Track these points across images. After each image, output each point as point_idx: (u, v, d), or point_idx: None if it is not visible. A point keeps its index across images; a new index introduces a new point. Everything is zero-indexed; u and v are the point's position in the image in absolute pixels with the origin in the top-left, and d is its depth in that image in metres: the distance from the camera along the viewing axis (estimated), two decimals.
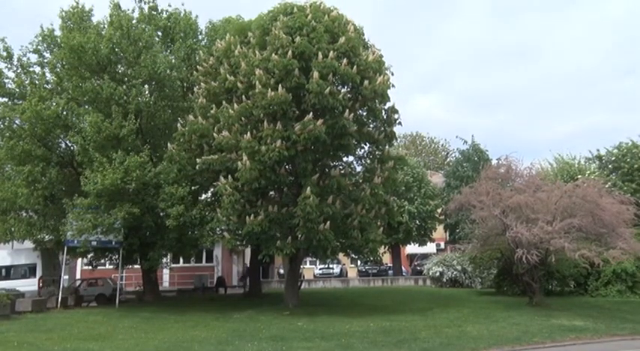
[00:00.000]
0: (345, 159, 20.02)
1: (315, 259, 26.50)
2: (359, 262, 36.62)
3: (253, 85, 16.92)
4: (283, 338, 12.37)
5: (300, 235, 16.49)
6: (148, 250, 19.93)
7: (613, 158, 28.18)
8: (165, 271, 30.17)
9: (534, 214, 17.31)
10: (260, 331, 13.62)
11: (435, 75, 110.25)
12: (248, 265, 32.69)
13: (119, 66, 21.11)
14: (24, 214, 21.90)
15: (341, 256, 22.35)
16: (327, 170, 17.92)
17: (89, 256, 22.90)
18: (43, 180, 20.08)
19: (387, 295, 23.91)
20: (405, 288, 28.92)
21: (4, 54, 21.49)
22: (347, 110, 16.95)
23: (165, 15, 22.99)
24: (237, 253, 33.72)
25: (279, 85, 16.39)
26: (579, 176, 24.70)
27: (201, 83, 19.36)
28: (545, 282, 20.95)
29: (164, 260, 24.08)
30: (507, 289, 22.68)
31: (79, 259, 27.90)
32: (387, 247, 29.63)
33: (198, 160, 18.15)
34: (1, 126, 20.84)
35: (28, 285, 21.63)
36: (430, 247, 36.31)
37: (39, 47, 21.88)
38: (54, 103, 20.02)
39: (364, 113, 19.05)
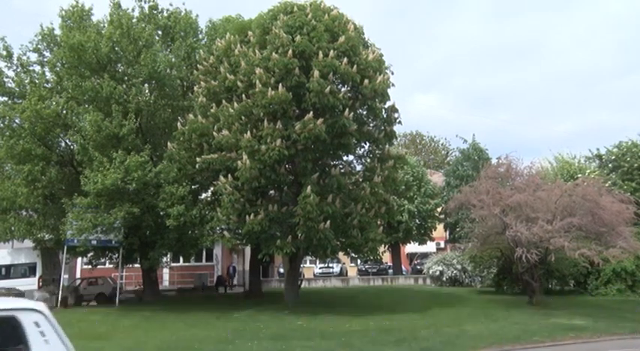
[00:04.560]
0: (345, 158, 20.04)
1: (315, 258, 26.49)
2: (359, 261, 36.60)
3: (253, 84, 16.92)
4: (283, 337, 12.37)
5: (300, 234, 16.48)
6: (148, 249, 19.93)
7: (613, 157, 28.20)
8: (165, 271, 30.13)
9: (534, 213, 17.31)
10: (260, 330, 13.63)
11: (435, 74, 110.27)
12: (234, 264, 32.61)
13: (119, 65, 21.11)
14: (24, 214, 21.92)
15: (341, 255, 22.35)
16: (327, 169, 17.92)
17: (89, 255, 22.89)
18: (42, 179, 20.08)
19: (386, 294, 23.92)
20: (404, 287, 28.92)
21: (4, 53, 21.52)
22: (347, 109, 16.95)
23: (165, 14, 23.00)
24: (237, 252, 33.70)
25: (280, 84, 16.39)
26: (579, 175, 24.72)
27: (201, 82, 19.35)
28: (544, 281, 20.97)
29: (164, 259, 24.08)
30: (507, 288, 22.70)
31: (79, 259, 27.88)
32: (386, 246, 29.61)
33: (198, 159, 18.14)
34: (1, 125, 20.85)
35: (28, 284, 21.62)
36: (430, 246, 36.32)
37: (39, 46, 21.90)
38: (54, 102, 20.05)
39: (364, 112, 19.06)
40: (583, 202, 17.18)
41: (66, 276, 24.01)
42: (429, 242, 34.10)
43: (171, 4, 23.17)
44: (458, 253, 26.76)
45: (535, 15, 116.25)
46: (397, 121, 19.36)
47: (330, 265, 35.09)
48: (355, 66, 17.16)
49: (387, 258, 35.81)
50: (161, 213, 18.90)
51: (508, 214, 17.82)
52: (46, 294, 8.15)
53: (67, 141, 21.75)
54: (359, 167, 20.55)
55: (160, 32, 22.75)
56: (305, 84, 16.70)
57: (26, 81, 21.42)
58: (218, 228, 19.23)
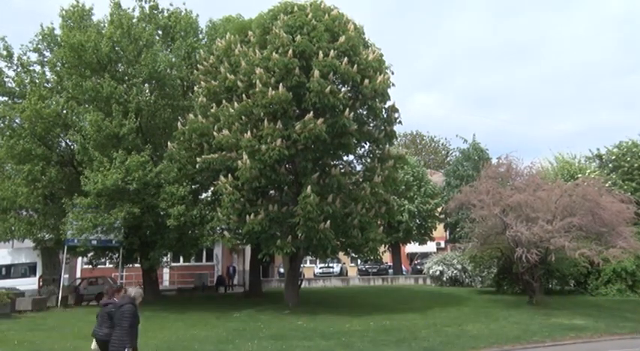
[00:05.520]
0: (345, 158, 20.01)
1: (315, 258, 26.49)
2: (359, 261, 36.60)
3: (254, 83, 16.92)
4: (283, 337, 12.37)
5: (300, 234, 16.47)
6: (149, 249, 19.93)
7: (613, 157, 28.19)
8: (166, 270, 30.14)
9: (534, 213, 17.30)
10: (260, 330, 13.63)
11: (435, 74, 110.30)
12: (234, 264, 32.46)
13: (119, 65, 21.12)
14: (24, 213, 21.90)
15: (341, 255, 22.33)
16: (327, 169, 17.89)
17: (89, 255, 22.89)
18: (43, 179, 20.07)
19: (387, 294, 23.93)
20: (405, 287, 28.90)
21: (4, 53, 21.53)
22: (347, 109, 16.93)
23: (165, 14, 23.01)
24: (237, 252, 33.67)
25: (280, 84, 16.38)
26: (579, 175, 24.68)
27: (202, 82, 19.34)
28: (545, 281, 20.96)
29: (164, 259, 24.08)
30: (507, 288, 22.69)
31: (79, 258, 27.88)
32: (387, 246, 29.59)
33: (198, 159, 18.14)
34: (1, 125, 20.84)
35: (29, 284, 21.62)
36: (430, 246, 36.29)
37: (39, 46, 21.90)
38: (54, 102, 20.05)
39: (364, 112, 19.04)
40: (583, 202, 17.17)
41: (66, 276, 24.00)
42: (429, 242, 34.08)
43: (171, 4, 23.28)
44: (458, 253, 26.74)
45: (535, 15, 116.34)
46: (397, 121, 19.35)
47: (330, 265, 35.09)
48: (355, 66, 17.15)
49: (387, 258, 35.82)
50: (161, 213, 18.90)
51: (508, 214, 17.81)
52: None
53: (67, 141, 21.74)
54: (359, 167, 20.54)
55: (160, 32, 22.76)
56: (305, 84, 16.69)
57: (26, 81, 21.42)
58: (218, 228, 19.20)
